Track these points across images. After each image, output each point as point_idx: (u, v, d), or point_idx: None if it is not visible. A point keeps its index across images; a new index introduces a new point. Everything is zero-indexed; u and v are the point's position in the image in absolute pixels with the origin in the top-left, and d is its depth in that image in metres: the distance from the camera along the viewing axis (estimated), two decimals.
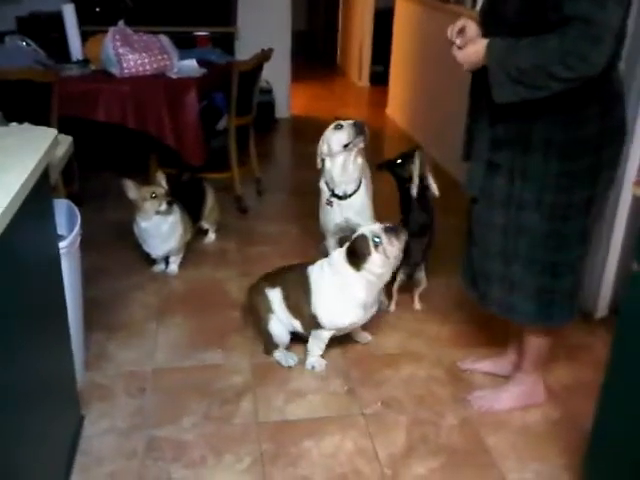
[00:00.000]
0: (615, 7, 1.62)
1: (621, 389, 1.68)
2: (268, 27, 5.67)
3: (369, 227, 2.35)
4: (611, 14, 1.61)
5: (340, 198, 2.78)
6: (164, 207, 2.92)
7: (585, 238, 2.01)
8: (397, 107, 6.41)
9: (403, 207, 2.90)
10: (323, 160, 2.75)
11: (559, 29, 1.66)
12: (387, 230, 2.28)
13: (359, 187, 2.78)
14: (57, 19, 3.96)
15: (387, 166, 2.94)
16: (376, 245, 2.25)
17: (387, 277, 2.37)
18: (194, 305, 2.91)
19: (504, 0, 1.83)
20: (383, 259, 2.25)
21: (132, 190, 2.92)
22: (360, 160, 2.77)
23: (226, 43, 5.23)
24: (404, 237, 2.30)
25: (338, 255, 2.36)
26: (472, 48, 1.86)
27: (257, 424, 2.18)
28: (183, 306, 2.90)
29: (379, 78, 7.47)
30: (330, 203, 2.80)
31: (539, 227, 1.95)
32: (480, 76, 1.89)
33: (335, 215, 2.82)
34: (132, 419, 2.18)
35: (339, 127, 2.68)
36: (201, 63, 3.91)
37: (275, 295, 2.47)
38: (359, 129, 2.66)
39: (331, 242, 2.95)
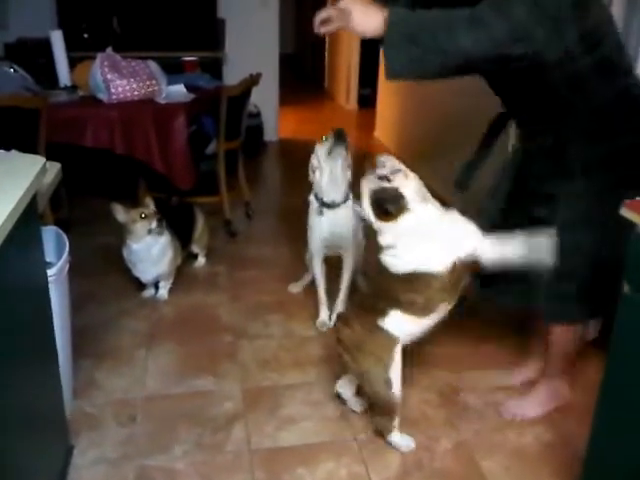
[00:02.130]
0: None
1: (614, 410, 1.68)
2: (256, 51, 5.72)
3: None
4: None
5: (329, 207, 2.81)
6: (155, 225, 2.92)
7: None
8: (385, 129, 6.45)
9: None
10: (314, 173, 2.82)
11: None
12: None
13: (347, 199, 2.84)
14: (45, 45, 3.97)
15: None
16: None
17: None
18: (184, 331, 2.89)
19: None
20: None
21: (121, 213, 2.91)
22: (348, 174, 2.84)
23: (214, 68, 5.26)
24: None
25: None
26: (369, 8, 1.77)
27: (249, 451, 2.15)
28: (173, 332, 2.88)
29: (367, 101, 7.53)
30: (321, 212, 2.83)
31: (594, 241, 1.99)
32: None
33: (322, 228, 2.85)
34: (122, 448, 2.14)
35: (324, 140, 2.79)
36: (189, 88, 3.93)
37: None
38: (339, 136, 2.76)
39: (317, 261, 2.95)
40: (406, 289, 2.05)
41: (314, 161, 2.81)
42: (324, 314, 2.96)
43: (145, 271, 3.07)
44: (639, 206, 1.55)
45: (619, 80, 1.92)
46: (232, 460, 2.11)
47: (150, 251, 2.99)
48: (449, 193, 4.55)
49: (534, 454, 2.17)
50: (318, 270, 2.97)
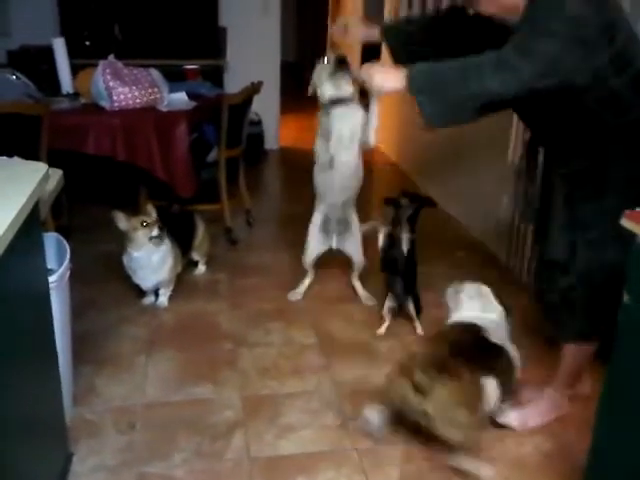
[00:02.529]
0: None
1: (615, 420, 1.68)
2: (257, 59, 5.74)
3: None
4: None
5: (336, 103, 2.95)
6: (156, 232, 2.92)
7: None
8: (385, 138, 6.46)
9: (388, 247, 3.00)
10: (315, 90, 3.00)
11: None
12: None
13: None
14: (47, 53, 3.99)
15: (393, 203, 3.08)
16: None
17: None
18: (184, 338, 2.89)
19: None
20: None
21: (122, 221, 2.91)
22: (360, 113, 2.93)
23: (215, 76, 5.28)
24: None
25: None
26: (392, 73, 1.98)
27: (249, 460, 2.15)
28: (173, 339, 2.88)
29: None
30: (331, 164, 2.91)
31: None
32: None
33: (335, 178, 2.96)
34: (122, 456, 2.14)
35: (324, 61, 2.99)
36: (191, 96, 3.94)
37: (492, 387, 2.12)
38: (340, 63, 2.91)
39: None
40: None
41: (314, 77, 3.03)
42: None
43: (145, 278, 3.07)
44: (638, 217, 1.56)
45: None
46: (231, 468, 2.10)
47: (151, 258, 2.99)
48: (449, 204, 4.57)
49: (533, 464, 2.17)
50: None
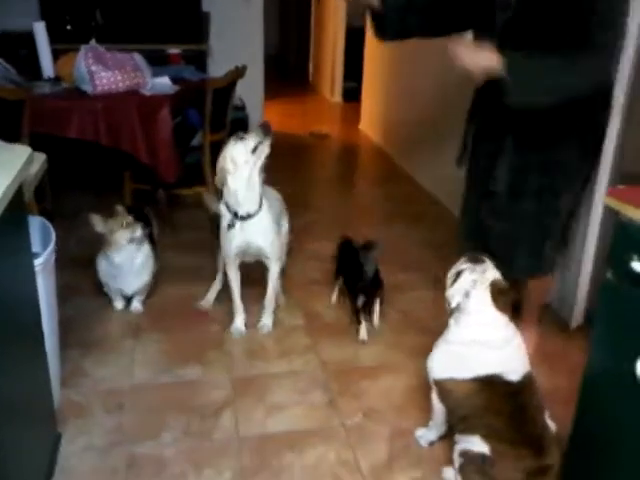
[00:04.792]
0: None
1: (597, 391, 1.71)
2: (240, 44, 5.70)
3: None
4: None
5: (243, 219, 2.61)
6: (139, 233, 2.78)
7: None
8: (370, 122, 6.47)
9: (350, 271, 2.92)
10: (224, 181, 2.57)
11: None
12: None
13: (261, 206, 2.63)
14: (27, 37, 3.94)
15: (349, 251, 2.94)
16: None
17: None
18: (171, 321, 2.89)
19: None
20: None
21: (99, 224, 2.75)
22: (260, 177, 2.62)
23: (198, 60, 5.25)
24: None
25: None
26: (471, 50, 2.01)
27: (238, 438, 2.16)
28: (160, 323, 2.88)
29: (352, 94, 7.54)
30: (232, 225, 2.63)
31: (568, 204, 2.31)
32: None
33: (236, 239, 2.66)
34: (111, 436, 2.15)
35: (241, 138, 2.55)
36: (174, 80, 3.91)
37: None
38: (266, 129, 2.57)
39: (232, 268, 2.80)
40: None
41: (228, 165, 2.53)
42: (239, 321, 2.84)
43: (127, 283, 2.90)
44: (621, 194, 1.58)
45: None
46: (221, 447, 2.12)
47: (133, 262, 2.84)
48: (433, 186, 4.60)
49: None
50: (233, 276, 2.81)
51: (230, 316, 2.90)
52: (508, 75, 1.92)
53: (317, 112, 7.69)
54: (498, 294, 1.92)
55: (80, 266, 3.32)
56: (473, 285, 1.90)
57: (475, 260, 1.97)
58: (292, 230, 3.12)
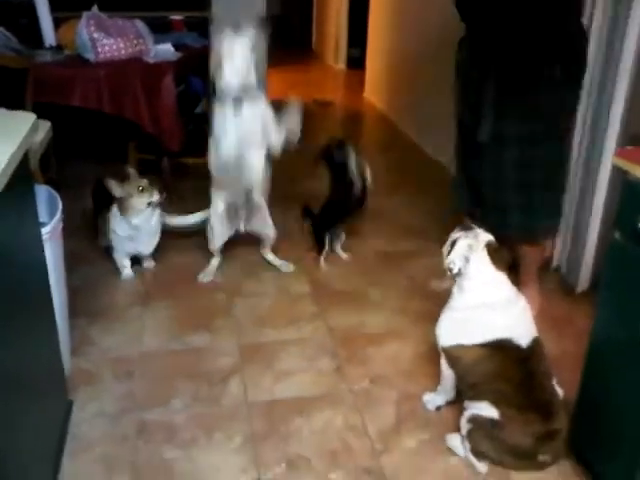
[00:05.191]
0: None
1: (604, 351, 1.72)
2: (243, 10, 5.62)
3: None
4: None
5: (239, 102, 2.61)
6: (156, 197, 2.82)
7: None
8: (374, 89, 6.41)
9: (338, 189, 3.09)
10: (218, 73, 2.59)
11: None
12: None
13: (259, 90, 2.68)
14: (28, 5, 3.90)
15: (325, 154, 3.08)
16: None
17: None
18: (178, 290, 2.90)
19: None
20: None
21: (117, 189, 2.79)
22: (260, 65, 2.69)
23: (201, 27, 5.17)
24: None
25: None
26: None
27: (247, 404, 2.19)
28: (167, 291, 2.89)
29: (356, 61, 7.46)
30: (238, 106, 2.60)
31: (546, 154, 2.37)
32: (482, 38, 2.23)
33: (231, 129, 2.63)
34: (121, 403, 2.18)
35: (238, 33, 2.61)
36: (177, 47, 3.88)
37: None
38: (261, 24, 2.65)
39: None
40: None
41: (225, 62, 2.58)
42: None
43: (144, 244, 2.97)
44: (630, 155, 1.57)
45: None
46: (230, 412, 2.14)
47: (149, 223, 2.90)
48: (437, 153, 4.57)
49: None
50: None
51: (237, 284, 2.92)
52: None
53: (321, 80, 7.62)
54: (495, 253, 1.94)
55: (86, 235, 3.32)
56: (470, 249, 1.92)
57: (466, 228, 2.01)
58: (295, 199, 3.14)
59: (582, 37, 2.39)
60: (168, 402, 2.19)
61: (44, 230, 2.01)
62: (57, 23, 3.87)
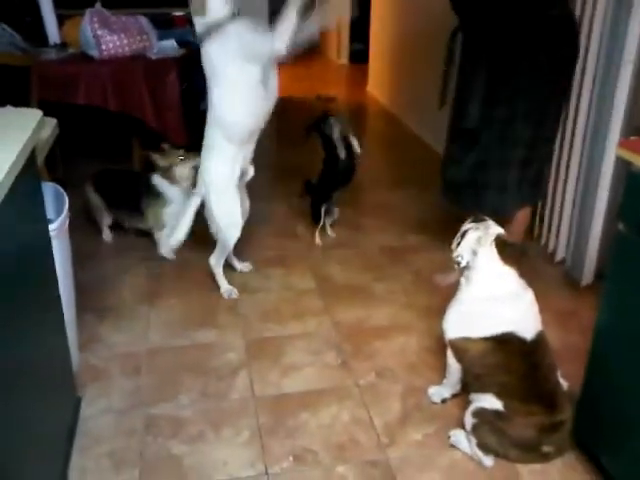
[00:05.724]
0: None
1: (608, 344, 1.72)
2: (245, 7, 5.62)
3: None
4: None
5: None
6: (197, 162, 2.85)
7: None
8: (378, 84, 6.41)
9: (329, 160, 3.25)
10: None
11: None
12: None
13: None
14: (32, 3, 3.91)
15: (314, 126, 3.29)
16: None
17: None
18: (184, 286, 2.91)
19: None
20: None
21: (161, 159, 2.96)
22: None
23: None
24: None
25: None
26: None
27: (254, 398, 2.20)
28: (173, 287, 2.90)
29: (359, 56, 7.45)
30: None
31: (530, 135, 2.49)
32: (473, 32, 2.32)
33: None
34: (129, 398, 2.19)
35: None
36: (180, 43, 3.89)
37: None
38: None
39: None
40: None
41: None
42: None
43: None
44: (633, 145, 1.57)
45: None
46: (238, 407, 2.16)
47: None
48: (441, 147, 4.57)
49: None
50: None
51: (243, 280, 2.93)
52: None
53: (324, 75, 7.62)
54: (504, 247, 1.94)
55: (92, 232, 3.35)
56: (478, 242, 1.92)
57: (477, 219, 2.00)
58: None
59: (568, 22, 2.45)
60: (175, 397, 2.20)
61: (51, 227, 2.02)
62: (61, 21, 3.89)
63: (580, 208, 2.86)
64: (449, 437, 2.02)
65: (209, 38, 2.52)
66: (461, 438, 1.99)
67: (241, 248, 3.04)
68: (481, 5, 2.41)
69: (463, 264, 1.94)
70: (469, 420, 1.93)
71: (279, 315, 2.70)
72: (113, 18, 3.64)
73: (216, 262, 2.84)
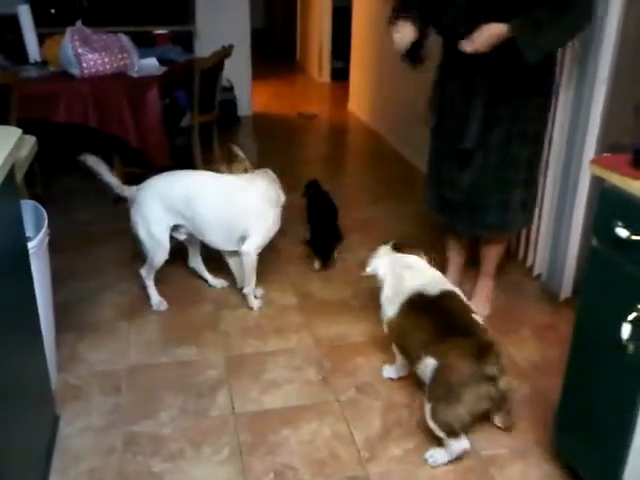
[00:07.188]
0: None
1: (584, 357, 1.75)
2: (227, 25, 5.67)
3: None
4: None
5: None
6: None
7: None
8: (358, 102, 6.46)
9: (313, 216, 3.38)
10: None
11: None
12: None
13: None
14: (12, 21, 3.91)
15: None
16: None
17: None
18: (165, 301, 2.90)
19: None
20: None
21: (226, 171, 2.94)
22: None
23: (185, 41, 5.22)
24: None
25: None
26: (488, 32, 2.23)
27: (234, 415, 2.20)
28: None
29: (340, 74, 7.51)
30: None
31: (529, 154, 2.51)
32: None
33: None
34: (108, 417, 2.18)
35: None
36: (162, 61, 3.90)
37: None
38: None
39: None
40: None
41: None
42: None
43: None
44: (605, 162, 1.61)
45: None
46: (217, 424, 2.15)
47: None
48: (423, 165, 4.61)
49: (511, 409, 2.24)
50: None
51: (224, 295, 2.93)
52: (519, 36, 2.19)
53: (305, 92, 7.66)
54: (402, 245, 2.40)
55: (73, 250, 3.33)
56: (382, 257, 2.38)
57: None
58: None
59: None
60: (155, 415, 2.19)
61: (30, 245, 2.01)
62: (41, 39, 3.88)
63: (557, 223, 2.90)
64: (426, 460, 2.02)
65: None
66: (436, 454, 2.02)
67: (221, 264, 3.05)
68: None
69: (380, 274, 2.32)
70: (427, 408, 2.00)
71: (260, 331, 2.70)
72: (94, 36, 3.65)
73: (146, 274, 2.85)
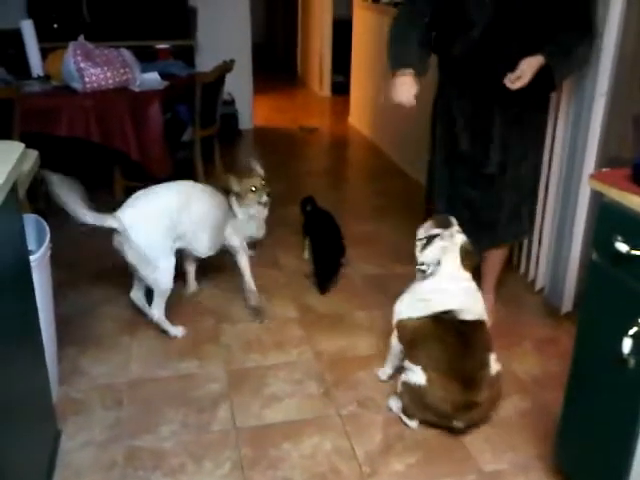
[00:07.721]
0: None
1: (586, 373, 1.74)
2: (228, 39, 5.71)
3: None
4: None
5: None
6: (265, 199, 2.97)
7: None
8: (359, 115, 6.49)
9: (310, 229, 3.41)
10: None
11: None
12: None
13: None
14: (15, 36, 3.94)
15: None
16: None
17: None
18: (167, 316, 2.89)
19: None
20: None
21: (235, 184, 2.95)
22: None
23: (187, 56, 5.25)
24: None
25: None
26: (530, 66, 2.31)
27: (235, 430, 2.19)
28: None
29: (340, 88, 7.54)
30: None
31: (536, 165, 2.68)
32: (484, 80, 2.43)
33: None
34: (110, 431, 2.17)
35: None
36: (163, 76, 3.93)
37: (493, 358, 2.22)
38: None
39: None
40: None
41: None
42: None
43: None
44: (604, 177, 1.62)
45: None
46: (219, 438, 2.15)
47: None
48: (422, 177, 4.62)
49: (512, 423, 2.24)
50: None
51: (225, 309, 2.93)
52: (554, 64, 2.32)
53: (306, 106, 7.69)
54: (466, 256, 2.17)
55: (75, 263, 3.33)
56: (444, 252, 2.10)
57: (444, 224, 2.19)
58: (281, 224, 3.17)
59: None
60: (157, 429, 2.19)
61: (32, 258, 2.02)
62: (44, 53, 3.91)
63: (558, 237, 2.91)
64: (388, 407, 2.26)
65: None
66: (393, 403, 2.25)
67: (221, 277, 3.05)
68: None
69: (428, 272, 2.12)
70: (399, 387, 2.18)
71: (261, 345, 2.70)
72: (96, 51, 3.68)
73: (159, 312, 2.72)
